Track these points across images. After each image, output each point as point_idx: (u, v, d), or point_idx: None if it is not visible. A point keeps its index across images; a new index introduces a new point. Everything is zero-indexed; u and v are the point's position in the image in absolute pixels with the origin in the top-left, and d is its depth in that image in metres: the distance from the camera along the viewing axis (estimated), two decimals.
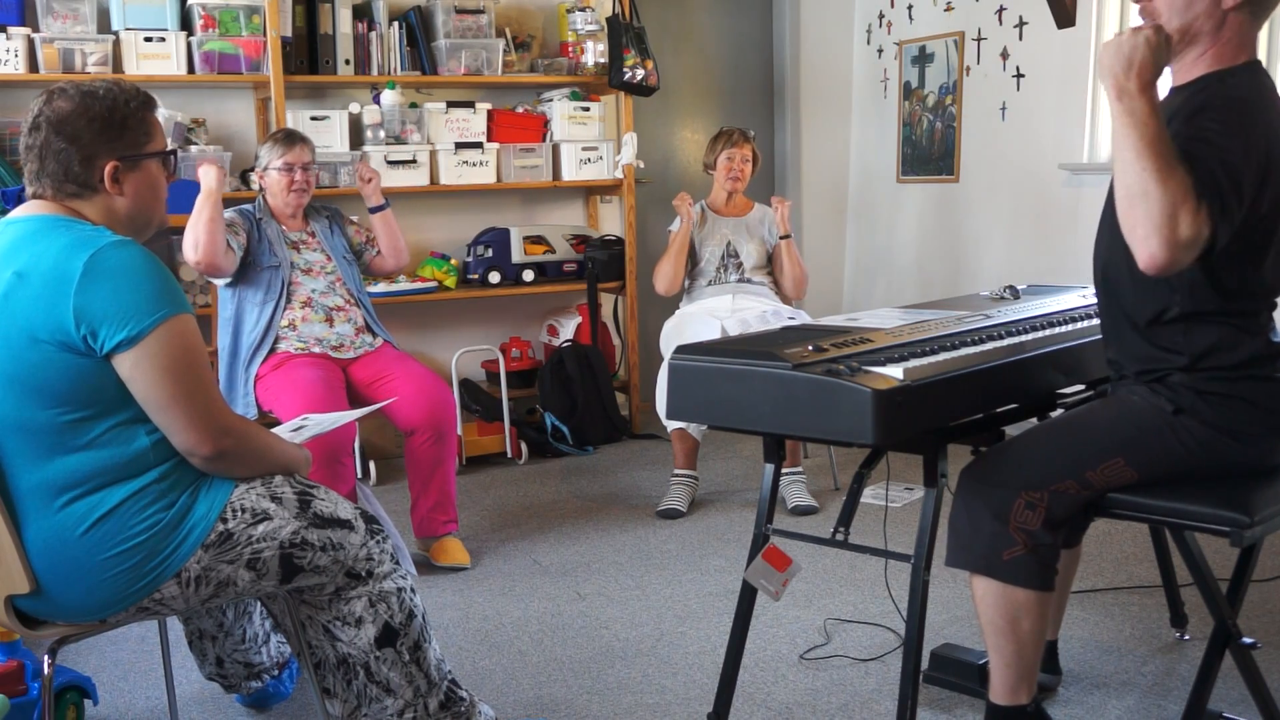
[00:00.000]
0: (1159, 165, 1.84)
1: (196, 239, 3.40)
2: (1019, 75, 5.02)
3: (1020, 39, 5.01)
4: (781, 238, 4.32)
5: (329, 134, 4.59)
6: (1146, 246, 1.85)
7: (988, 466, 2.13)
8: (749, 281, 4.31)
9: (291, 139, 3.64)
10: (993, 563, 2.06)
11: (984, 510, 2.06)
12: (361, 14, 4.69)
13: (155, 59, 4.30)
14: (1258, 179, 1.93)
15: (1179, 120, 1.98)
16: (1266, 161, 1.95)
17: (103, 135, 1.97)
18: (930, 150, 5.52)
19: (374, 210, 3.86)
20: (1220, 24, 2.02)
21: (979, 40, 5.21)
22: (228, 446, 1.96)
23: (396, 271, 4.02)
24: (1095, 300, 2.26)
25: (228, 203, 4.20)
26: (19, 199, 3.70)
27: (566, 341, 5.08)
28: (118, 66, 4.26)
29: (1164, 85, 2.00)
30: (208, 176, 3.46)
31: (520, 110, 5.10)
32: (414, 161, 4.75)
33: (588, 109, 5.10)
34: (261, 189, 3.69)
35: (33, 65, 4.15)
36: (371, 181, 3.84)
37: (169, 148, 2.10)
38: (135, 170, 2.02)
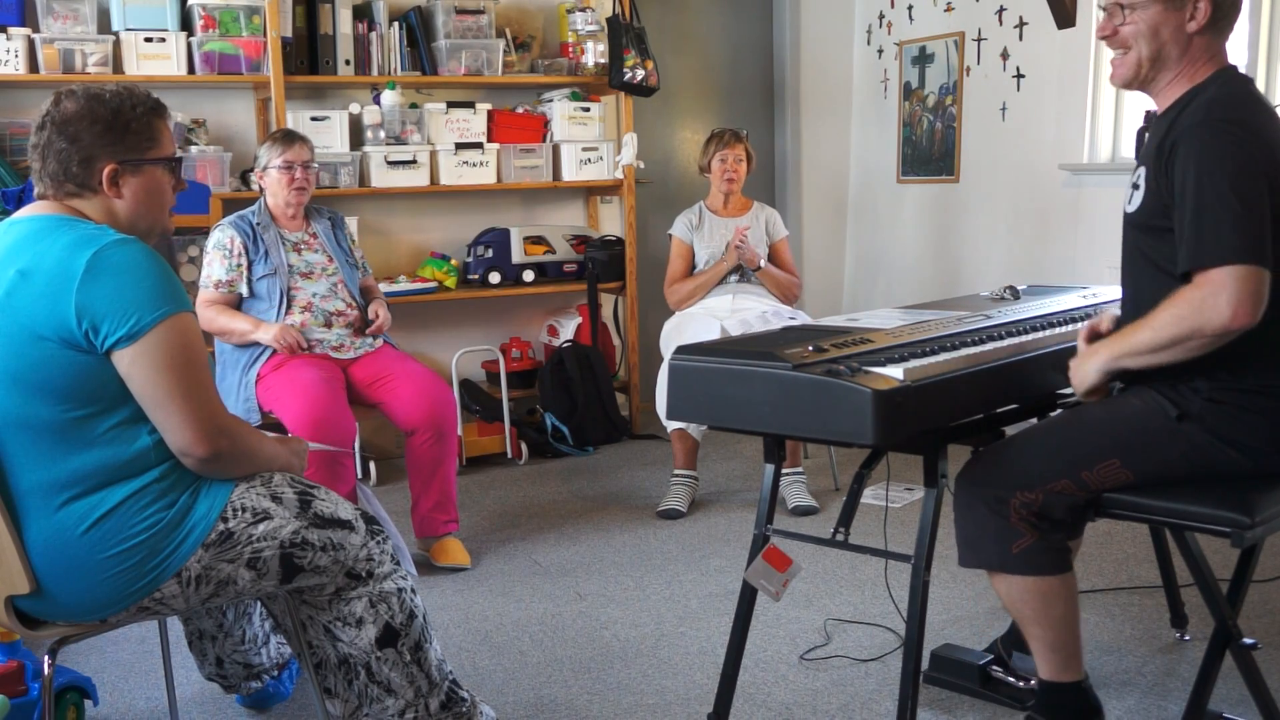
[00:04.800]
0: (1170, 336, 1.95)
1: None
2: (1019, 76, 5.03)
3: (1020, 39, 5.01)
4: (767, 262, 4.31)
5: (329, 134, 4.59)
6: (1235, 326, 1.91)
7: (982, 467, 2.13)
8: (749, 281, 4.31)
9: (290, 138, 3.64)
10: (1005, 558, 2.07)
11: (983, 509, 2.07)
12: (361, 14, 4.69)
13: (155, 59, 4.29)
14: (1268, 179, 1.95)
15: (1166, 149, 2.02)
16: (1270, 159, 1.96)
17: (103, 138, 1.98)
18: (930, 150, 5.52)
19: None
20: (1187, 46, 2.08)
21: (979, 40, 5.21)
22: (223, 448, 1.96)
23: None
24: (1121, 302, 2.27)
25: (228, 204, 4.23)
26: (19, 199, 3.72)
27: (566, 342, 5.08)
28: (118, 67, 4.26)
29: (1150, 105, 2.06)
30: (266, 335, 3.48)
31: (520, 110, 5.10)
32: (414, 162, 4.74)
33: (588, 109, 5.10)
34: (262, 190, 3.68)
35: (33, 66, 4.12)
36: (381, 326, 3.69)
37: (175, 155, 2.09)
38: (136, 175, 2.02)
